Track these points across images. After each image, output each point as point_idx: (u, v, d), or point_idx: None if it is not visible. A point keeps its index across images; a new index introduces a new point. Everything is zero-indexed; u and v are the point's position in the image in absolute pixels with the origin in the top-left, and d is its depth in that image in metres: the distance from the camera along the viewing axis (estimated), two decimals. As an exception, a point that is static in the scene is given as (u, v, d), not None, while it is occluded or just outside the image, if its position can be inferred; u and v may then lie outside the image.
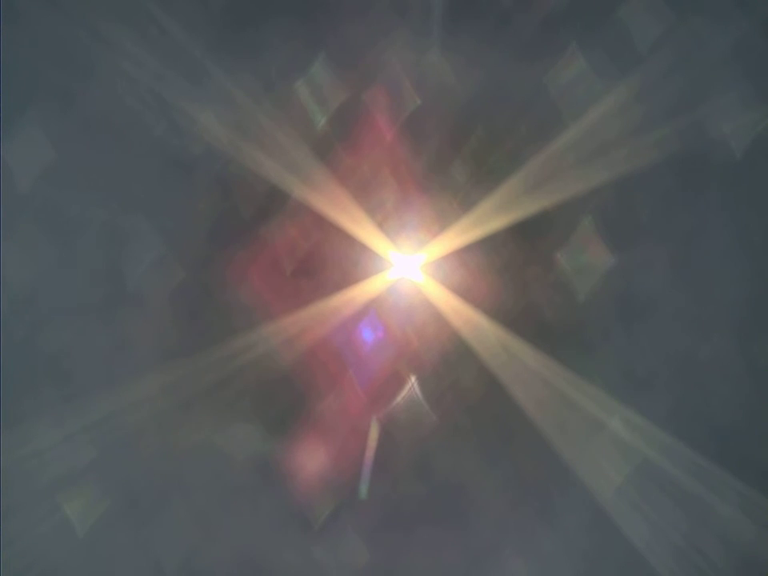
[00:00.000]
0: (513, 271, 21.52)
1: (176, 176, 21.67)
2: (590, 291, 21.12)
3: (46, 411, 20.63)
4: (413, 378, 21.32)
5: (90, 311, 21.01)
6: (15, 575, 18.06)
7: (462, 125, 21.74)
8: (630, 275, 21.44)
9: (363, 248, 21.48)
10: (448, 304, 21.19)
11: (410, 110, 21.55)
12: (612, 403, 20.52)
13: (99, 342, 21.03)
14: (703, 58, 19.93)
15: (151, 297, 21.30)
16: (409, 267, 21.40)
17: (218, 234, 21.84)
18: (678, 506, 18.89)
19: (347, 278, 21.51)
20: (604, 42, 21.08)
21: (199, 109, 20.98)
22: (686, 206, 20.70)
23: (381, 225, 21.48)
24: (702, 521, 18.56)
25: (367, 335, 21.35)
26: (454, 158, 21.34)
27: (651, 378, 21.07)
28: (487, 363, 20.81)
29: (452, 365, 21.21)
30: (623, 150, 20.55)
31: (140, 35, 20.31)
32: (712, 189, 21.13)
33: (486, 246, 21.46)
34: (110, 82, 20.62)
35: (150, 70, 20.49)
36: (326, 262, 21.62)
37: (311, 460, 20.91)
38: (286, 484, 21.00)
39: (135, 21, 20.38)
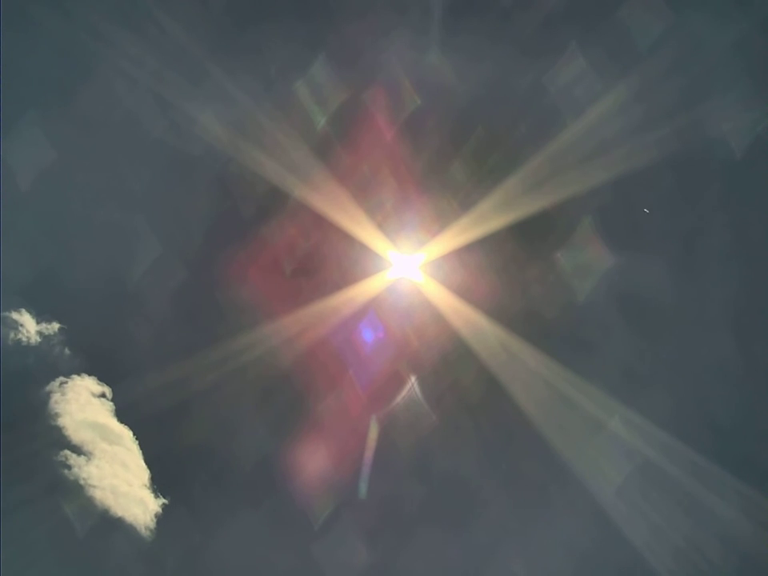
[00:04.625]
0: (512, 271, 21.40)
1: (176, 176, 21.51)
2: (590, 291, 21.02)
3: (45, 410, 20.46)
4: (413, 378, 21.20)
5: (90, 311, 20.85)
6: (15, 575, 17.87)
7: (462, 125, 21.60)
8: (630, 275, 21.28)
9: (363, 248, 21.38)
10: (448, 304, 21.15)
11: (410, 110, 21.43)
12: (612, 403, 20.38)
13: (99, 341, 20.87)
14: (703, 58, 19.82)
15: (151, 297, 21.18)
16: (408, 267, 21.37)
17: (217, 233, 21.67)
18: (678, 505, 18.77)
19: (347, 277, 21.41)
20: (604, 42, 20.94)
21: (199, 109, 20.84)
22: (686, 205, 20.57)
23: (380, 225, 21.36)
24: (702, 521, 18.44)
25: (367, 335, 21.25)
26: (454, 158, 21.22)
27: (651, 378, 20.90)
28: (487, 363, 20.70)
29: (452, 365, 21.08)
30: (623, 149, 20.43)
31: (140, 35, 20.18)
32: (712, 189, 20.98)
33: (486, 245, 21.33)
34: (109, 81, 20.48)
35: (150, 70, 20.37)
36: (325, 261, 21.49)
37: (311, 460, 20.77)
38: (286, 483, 20.79)
39: (135, 21, 20.25)
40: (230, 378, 20.24)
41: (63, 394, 19.64)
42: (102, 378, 19.99)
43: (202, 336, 20.50)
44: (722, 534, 19.25)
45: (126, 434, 19.93)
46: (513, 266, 21.09)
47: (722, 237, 20.75)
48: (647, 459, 19.95)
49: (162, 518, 19.63)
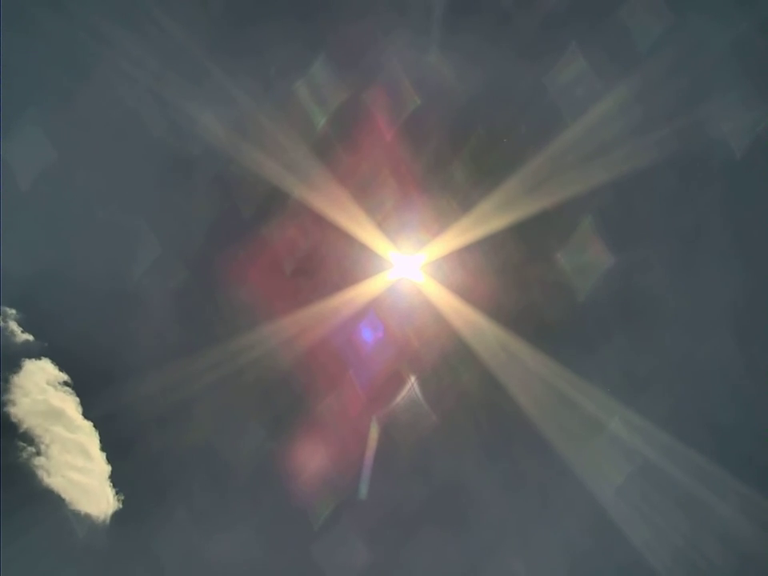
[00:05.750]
0: (513, 271, 21.40)
1: (176, 176, 21.49)
2: (590, 291, 21.03)
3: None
4: (413, 378, 21.19)
5: (91, 311, 20.84)
6: (15, 575, 17.86)
7: (462, 125, 21.59)
8: (630, 275, 21.28)
9: (363, 248, 21.37)
10: (448, 304, 21.15)
11: (410, 110, 21.43)
12: (612, 403, 20.39)
13: (99, 341, 20.86)
14: (703, 58, 19.82)
15: (151, 297, 21.18)
16: (409, 267, 21.37)
17: (217, 233, 21.67)
18: (678, 505, 18.79)
19: (347, 278, 21.39)
20: (604, 42, 20.93)
21: (199, 109, 20.83)
22: (686, 205, 20.58)
23: (381, 225, 21.35)
24: (701, 521, 18.46)
25: (367, 335, 21.24)
26: (454, 158, 21.21)
27: (651, 378, 20.92)
28: (487, 363, 20.70)
29: (452, 365, 21.08)
30: (623, 149, 20.43)
31: (140, 35, 20.17)
32: (712, 189, 20.99)
33: (486, 246, 21.33)
34: (109, 81, 20.47)
35: (150, 70, 20.35)
36: (325, 261, 21.48)
37: (311, 460, 20.77)
38: (286, 483, 20.79)
39: (135, 21, 20.23)
40: (227, 379, 20.24)
41: (18, 379, 19.33)
42: (63, 366, 19.73)
43: (199, 335, 20.52)
44: (722, 534, 19.28)
45: (86, 425, 19.65)
46: (513, 267, 21.10)
47: (722, 237, 20.77)
48: (647, 459, 19.97)
49: (123, 516, 19.36)
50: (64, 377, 19.86)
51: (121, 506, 19.28)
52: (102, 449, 19.63)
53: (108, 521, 19.01)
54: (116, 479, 19.60)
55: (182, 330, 20.68)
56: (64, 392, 19.70)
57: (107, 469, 19.42)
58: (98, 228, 20.68)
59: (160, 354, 20.48)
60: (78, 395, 19.68)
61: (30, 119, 20.06)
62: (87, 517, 18.99)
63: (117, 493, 19.47)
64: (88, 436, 19.51)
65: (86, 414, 19.65)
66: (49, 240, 20.21)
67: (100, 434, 19.56)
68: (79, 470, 19.30)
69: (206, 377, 20.20)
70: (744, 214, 20.82)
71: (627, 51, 20.60)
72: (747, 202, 20.78)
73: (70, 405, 19.64)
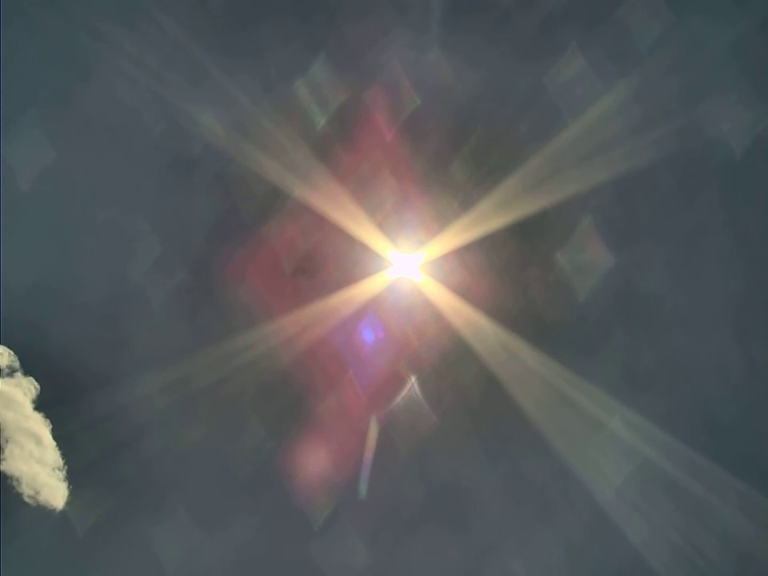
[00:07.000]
0: (512, 271, 21.40)
1: (176, 176, 21.53)
2: (590, 291, 21.03)
3: (46, 411, 20.47)
4: (413, 378, 21.20)
5: (91, 311, 20.87)
6: (15, 575, 17.89)
7: (462, 125, 21.61)
8: (630, 275, 21.29)
9: (363, 247, 21.37)
10: (447, 303, 21.14)
11: (410, 110, 21.45)
12: (612, 403, 20.40)
13: (99, 341, 20.90)
14: (703, 58, 19.83)
15: (151, 297, 21.20)
16: (408, 266, 21.38)
17: (217, 233, 21.70)
18: (677, 505, 18.78)
19: (347, 277, 21.40)
20: (604, 42, 20.95)
21: (199, 109, 20.85)
22: (685, 205, 20.60)
23: (380, 224, 21.35)
24: (700, 520, 18.46)
25: (367, 335, 21.25)
26: (454, 158, 21.23)
27: (651, 378, 20.94)
28: (487, 363, 20.71)
29: (452, 364, 21.08)
30: (623, 149, 20.43)
31: (140, 35, 20.20)
32: (712, 189, 21.00)
33: (486, 245, 21.34)
34: (109, 82, 20.51)
35: (150, 70, 20.39)
36: (325, 261, 21.49)
37: (311, 460, 20.79)
38: (286, 483, 20.82)
39: (135, 21, 20.27)
40: (229, 378, 20.25)
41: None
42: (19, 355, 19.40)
43: (201, 337, 20.53)
44: (722, 533, 19.28)
45: (37, 416, 19.30)
46: (513, 266, 21.11)
47: (722, 237, 20.77)
48: (647, 459, 19.98)
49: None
50: (15, 364, 19.44)
51: (73, 498, 19.02)
52: (55, 438, 19.38)
53: (60, 513, 18.78)
54: (71, 472, 19.31)
55: (179, 331, 20.70)
56: (15, 379, 19.29)
57: (60, 461, 19.14)
58: (91, 225, 20.70)
59: (158, 353, 20.49)
60: (33, 384, 19.35)
61: (30, 119, 20.10)
62: (37, 507, 18.72)
63: (70, 486, 19.16)
64: (40, 425, 19.15)
65: (39, 404, 19.34)
66: (38, 236, 20.19)
67: (53, 425, 19.28)
68: (30, 458, 18.94)
69: (204, 376, 20.21)
70: (744, 213, 20.82)
71: (627, 51, 20.62)
72: (747, 201, 20.78)
73: (20, 392, 19.24)
